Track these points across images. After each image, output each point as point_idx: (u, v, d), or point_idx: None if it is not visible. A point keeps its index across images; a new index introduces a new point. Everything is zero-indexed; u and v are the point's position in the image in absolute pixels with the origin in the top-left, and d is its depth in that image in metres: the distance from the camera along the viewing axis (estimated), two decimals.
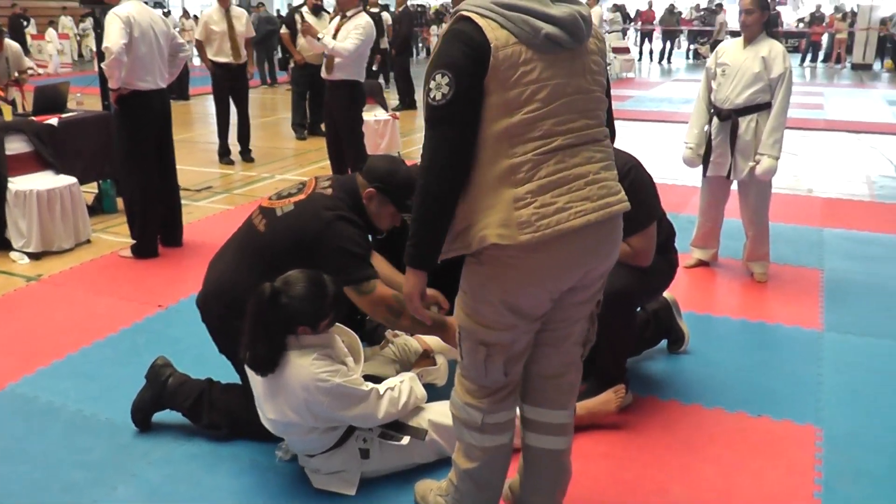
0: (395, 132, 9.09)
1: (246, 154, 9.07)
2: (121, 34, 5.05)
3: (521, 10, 2.04)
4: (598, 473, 2.99)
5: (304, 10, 9.62)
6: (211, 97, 9.22)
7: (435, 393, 3.17)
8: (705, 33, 24.91)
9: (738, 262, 5.27)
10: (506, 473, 2.52)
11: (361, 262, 2.96)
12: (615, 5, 24.16)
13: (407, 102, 13.26)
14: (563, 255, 2.11)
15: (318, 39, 6.70)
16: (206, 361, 3.47)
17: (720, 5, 25.68)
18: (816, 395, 3.60)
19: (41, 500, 2.87)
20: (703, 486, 2.94)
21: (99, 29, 6.53)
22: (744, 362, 3.92)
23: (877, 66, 23.03)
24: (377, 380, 2.94)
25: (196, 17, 25.04)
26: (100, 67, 6.15)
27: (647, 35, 26.86)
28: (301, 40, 9.50)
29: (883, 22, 22.75)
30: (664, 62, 25.09)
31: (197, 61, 17.91)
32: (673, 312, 3.94)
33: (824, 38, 25.01)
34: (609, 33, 19.21)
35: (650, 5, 27.34)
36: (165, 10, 25.78)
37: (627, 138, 9.70)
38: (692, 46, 26.84)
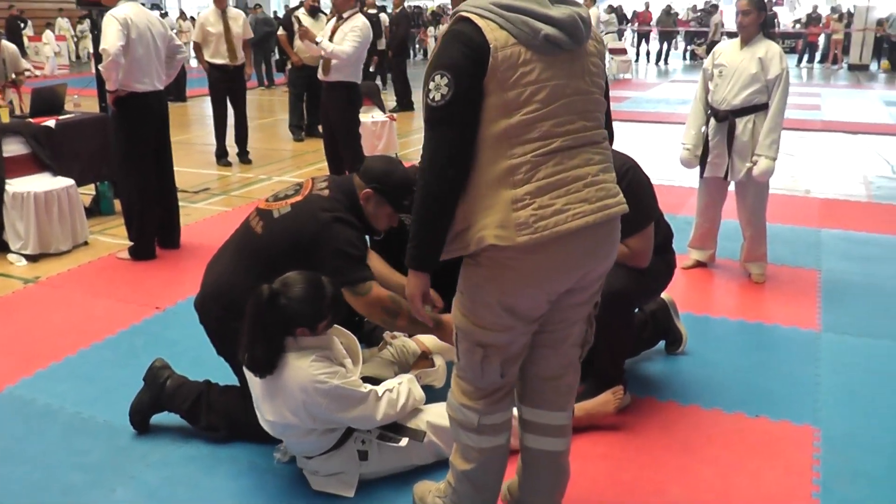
0: (392, 134, 9.09)
1: (243, 156, 9.06)
2: (118, 36, 5.05)
3: (520, 11, 2.05)
4: (597, 474, 3.00)
5: (301, 11, 9.62)
6: (208, 99, 9.21)
7: (433, 394, 3.17)
8: (702, 34, 24.95)
9: (736, 263, 5.27)
10: (503, 474, 2.53)
11: (357, 264, 2.96)
12: (611, 6, 24.19)
13: (404, 104, 13.25)
14: (561, 257, 2.12)
15: (317, 44, 6.71)
16: (204, 363, 3.47)
17: (715, 6, 25.73)
18: (814, 396, 3.60)
19: (40, 502, 2.87)
20: (702, 486, 2.94)
21: (96, 31, 6.54)
22: (741, 363, 3.92)
23: (873, 66, 23.06)
24: (375, 381, 2.94)
25: (193, 19, 25.07)
26: (97, 69, 6.16)
27: (643, 36, 26.88)
28: (298, 42, 9.51)
29: (880, 23, 22.77)
30: (661, 63, 25.11)
31: (194, 63, 17.96)
32: (671, 313, 3.94)
33: (821, 39, 25.04)
34: (605, 34, 19.24)
35: (647, 6, 27.37)
36: (163, 12, 25.79)
37: (625, 139, 9.70)
38: (689, 47, 26.88)
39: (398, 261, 3.52)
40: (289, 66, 10.54)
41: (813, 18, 25.97)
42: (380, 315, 3.00)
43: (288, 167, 8.88)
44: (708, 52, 22.74)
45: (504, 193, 2.06)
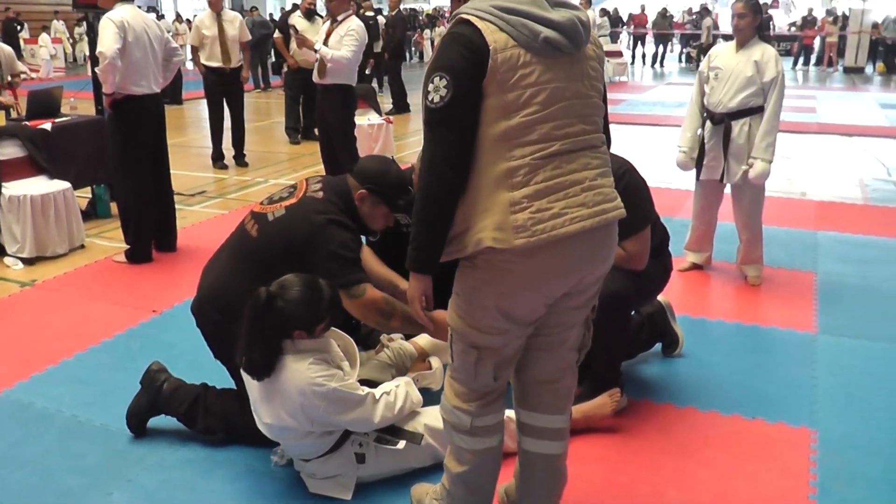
0: (388, 136, 9.10)
1: (240, 158, 9.05)
2: (115, 39, 5.05)
3: (520, 14, 2.05)
4: (594, 477, 3.00)
5: (297, 14, 9.62)
6: (204, 101, 9.20)
7: (430, 397, 3.17)
8: (697, 37, 25.00)
9: (732, 266, 5.28)
10: (496, 476, 2.53)
11: (352, 266, 2.96)
12: (603, 9, 24.24)
13: (400, 106, 13.27)
14: (558, 261, 2.12)
15: (316, 51, 6.72)
16: (200, 366, 3.46)
17: (707, 9, 25.80)
18: (811, 398, 3.61)
19: None
20: (698, 488, 2.95)
21: (92, 33, 6.53)
22: (738, 365, 3.93)
23: (868, 69, 23.11)
24: (373, 384, 2.94)
25: (189, 21, 25.07)
26: (93, 72, 6.15)
27: (639, 39, 26.92)
28: (294, 45, 9.51)
29: (875, 25, 22.84)
30: (657, 66, 25.15)
31: (190, 65, 17.95)
32: (667, 316, 3.94)
33: (816, 42, 25.10)
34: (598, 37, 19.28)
35: (643, 9, 27.41)
36: (160, 14, 25.75)
37: (621, 142, 9.68)
38: (684, 50, 26.93)
39: (394, 262, 3.54)
40: (285, 69, 10.54)
41: (808, 21, 26.04)
42: (374, 317, 3.00)
43: (284, 170, 8.88)
44: (699, 55, 22.83)
45: (502, 196, 2.06)
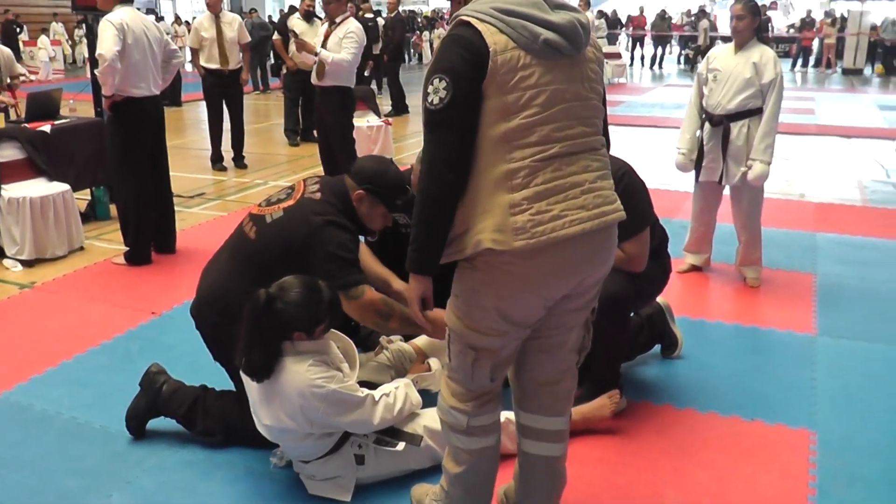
0: (387, 138, 9.11)
1: (239, 160, 9.04)
2: (114, 41, 5.05)
3: (520, 16, 2.06)
4: (593, 478, 3.00)
5: (296, 16, 9.63)
6: (204, 103, 9.20)
7: (430, 399, 3.17)
8: (696, 39, 25.02)
9: (731, 267, 5.28)
10: (494, 477, 2.53)
11: (350, 268, 2.97)
12: (600, 11, 24.26)
13: (399, 108, 13.27)
14: (558, 263, 2.12)
15: (316, 55, 6.74)
16: (200, 368, 3.46)
17: (703, 11, 25.82)
18: (810, 400, 3.61)
19: None
20: (697, 490, 2.95)
21: (91, 35, 6.53)
22: (737, 367, 3.93)
23: (867, 70, 23.14)
24: (372, 386, 2.94)
25: (188, 23, 25.09)
26: (92, 74, 6.15)
27: (638, 40, 26.93)
28: (293, 46, 9.52)
29: (873, 27, 22.87)
30: (656, 67, 25.16)
31: (189, 67, 17.93)
32: (666, 317, 3.95)
33: (815, 44, 25.12)
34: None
35: (641, 11, 27.42)
36: (159, 16, 25.75)
37: (620, 143, 9.69)
38: (683, 52, 26.94)
39: (394, 262, 3.54)
40: (284, 71, 10.54)
41: (807, 23, 26.06)
42: (372, 318, 3.01)
43: (283, 172, 8.88)
44: (695, 57, 22.81)
45: (502, 198, 2.07)
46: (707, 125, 4.91)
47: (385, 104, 12.91)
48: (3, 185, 5.58)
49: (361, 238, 3.26)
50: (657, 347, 4.00)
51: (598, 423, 3.29)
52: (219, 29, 8.58)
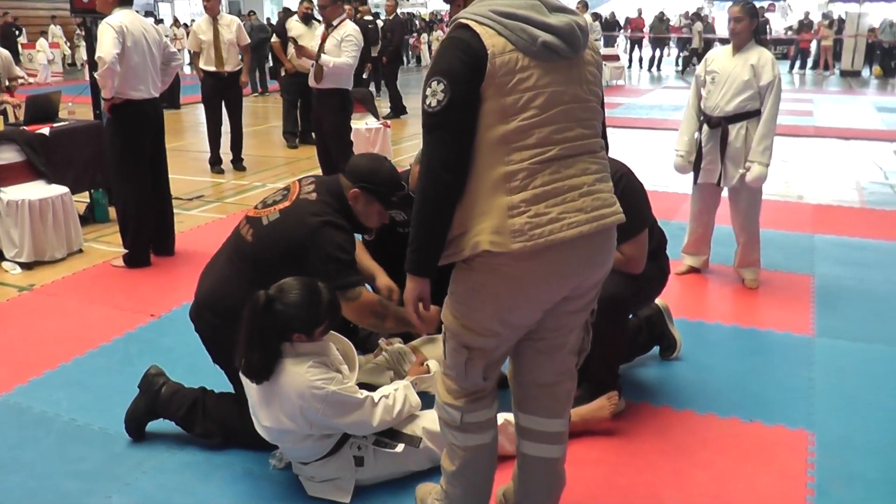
0: (386, 140, 9.11)
1: (238, 163, 9.04)
2: (114, 44, 5.05)
3: (518, 19, 2.07)
4: (592, 479, 3.00)
5: (295, 19, 9.64)
6: (202, 106, 9.20)
7: (429, 401, 3.16)
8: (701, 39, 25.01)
9: (730, 269, 5.29)
10: (492, 476, 2.54)
11: (348, 269, 2.97)
12: (595, 13, 24.25)
13: (397, 110, 13.28)
14: (555, 266, 2.13)
15: (317, 61, 6.75)
16: (199, 370, 3.47)
17: (697, 14, 25.84)
18: (808, 400, 3.61)
19: None
20: (696, 491, 2.95)
21: (90, 38, 6.54)
22: (735, 368, 3.93)
23: (865, 72, 23.16)
24: (371, 388, 2.94)
25: (186, 26, 25.11)
26: (91, 76, 6.15)
27: (636, 42, 26.95)
28: (291, 49, 9.52)
29: (871, 29, 22.90)
30: (654, 69, 25.18)
31: (188, 69, 17.93)
32: (665, 319, 3.95)
33: (813, 46, 25.14)
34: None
35: (639, 13, 27.43)
36: (158, 19, 25.78)
37: (618, 145, 9.69)
38: (681, 54, 26.94)
39: (390, 263, 3.55)
40: (282, 73, 10.54)
41: (805, 25, 26.07)
42: (369, 319, 3.03)
43: (282, 174, 8.88)
44: (689, 59, 22.78)
45: (500, 200, 2.07)
46: (705, 127, 4.91)
47: (384, 106, 12.91)
48: (2, 188, 5.58)
49: (358, 237, 3.26)
50: (656, 349, 4.00)
51: (597, 424, 3.29)
52: (216, 32, 8.56)
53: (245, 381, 2.78)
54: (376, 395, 2.84)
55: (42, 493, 2.95)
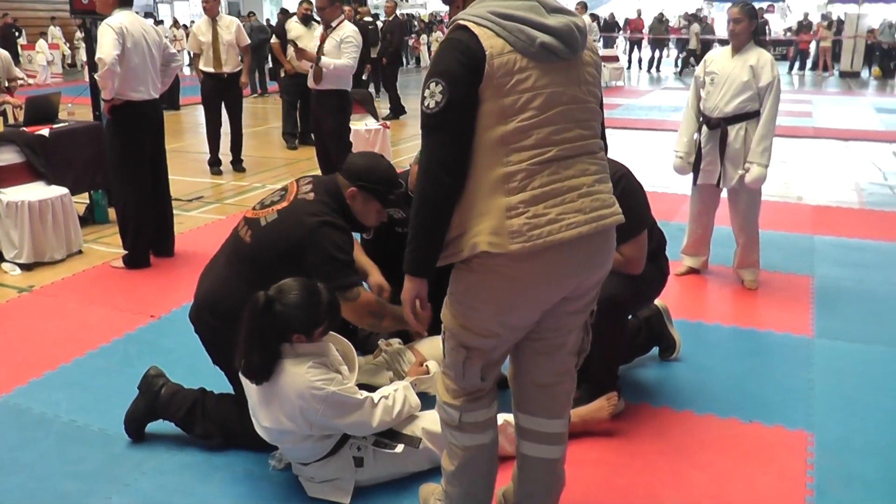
0: (385, 141, 9.11)
1: (237, 164, 9.04)
2: (114, 45, 5.05)
3: (517, 20, 2.07)
4: (591, 480, 3.01)
5: (294, 20, 9.64)
6: (202, 107, 9.21)
7: (428, 401, 3.17)
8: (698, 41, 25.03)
9: (729, 270, 5.29)
10: (492, 478, 2.54)
11: (346, 269, 2.98)
12: (592, 14, 24.29)
13: (396, 111, 13.28)
14: (554, 267, 2.13)
15: (317, 63, 6.76)
16: (198, 371, 3.47)
17: (694, 16, 25.85)
18: (807, 401, 3.62)
19: None
20: (696, 492, 2.95)
21: (90, 39, 6.54)
22: (735, 369, 3.94)
23: (864, 73, 23.17)
24: (371, 388, 2.95)
25: (185, 27, 25.11)
26: (91, 77, 6.15)
27: (636, 43, 26.96)
28: (291, 50, 9.51)
29: (871, 30, 22.91)
30: (653, 70, 25.19)
31: (187, 70, 17.93)
32: (664, 320, 3.95)
33: (812, 47, 25.16)
34: None
35: (639, 14, 27.45)
36: (159, 20, 25.79)
37: (618, 146, 9.72)
38: (681, 55, 26.96)
39: (390, 262, 3.56)
40: (282, 74, 10.54)
41: (804, 26, 26.09)
42: (368, 319, 3.04)
43: (281, 175, 8.88)
44: (686, 61, 22.78)
45: (498, 201, 2.08)
46: (704, 128, 4.92)
47: (383, 108, 12.92)
48: (1, 189, 5.58)
49: (357, 235, 3.26)
50: (655, 350, 4.01)
51: (597, 424, 3.29)
52: (215, 33, 8.55)
53: (245, 381, 2.78)
54: (376, 395, 2.84)
55: (42, 494, 2.95)
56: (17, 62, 13.51)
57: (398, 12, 14.42)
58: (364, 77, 13.14)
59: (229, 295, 3.02)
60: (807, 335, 4.35)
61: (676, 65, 26.41)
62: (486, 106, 2.07)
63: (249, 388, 2.78)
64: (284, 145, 10.57)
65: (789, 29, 28.87)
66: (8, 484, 3.01)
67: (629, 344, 3.66)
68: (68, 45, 25.22)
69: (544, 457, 2.47)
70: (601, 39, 25.40)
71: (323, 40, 6.92)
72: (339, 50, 6.87)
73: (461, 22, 2.11)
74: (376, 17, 16.11)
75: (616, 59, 20.50)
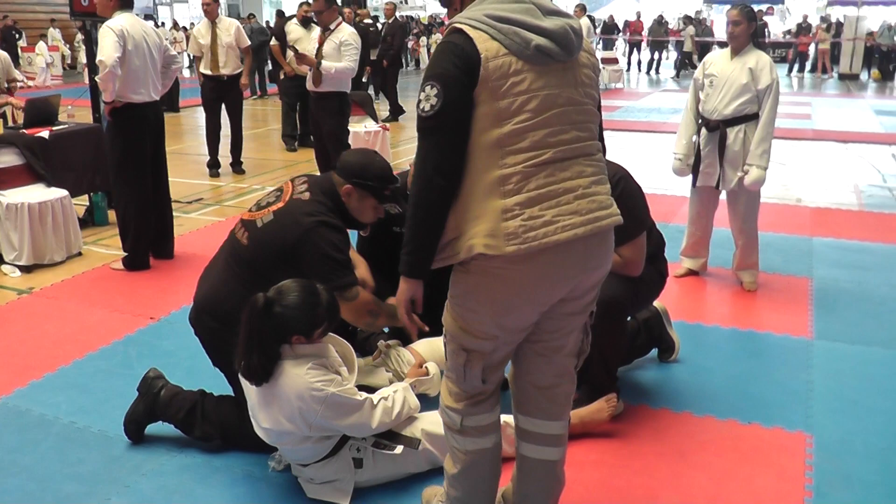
0: (385, 143, 9.12)
1: (237, 166, 9.04)
2: (115, 47, 5.06)
3: (512, 23, 2.08)
4: (590, 481, 3.01)
5: (294, 22, 9.64)
6: (201, 109, 9.21)
7: (428, 402, 3.18)
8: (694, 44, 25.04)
9: (728, 271, 5.30)
10: (494, 481, 2.54)
11: (344, 269, 2.98)
12: (588, 16, 24.30)
13: (396, 113, 13.29)
14: (550, 268, 2.14)
15: (317, 67, 6.77)
16: (198, 373, 3.48)
17: (689, 17, 25.87)
18: (806, 403, 3.62)
19: None
20: (694, 493, 2.96)
21: (90, 42, 6.55)
22: (734, 370, 3.94)
23: (863, 76, 23.19)
24: (370, 390, 2.95)
25: (185, 29, 25.12)
26: (91, 80, 6.16)
27: (635, 45, 26.98)
28: (290, 52, 9.51)
29: (870, 32, 22.93)
30: (652, 72, 25.20)
31: (186, 73, 17.93)
32: (663, 321, 3.96)
33: (811, 49, 25.18)
34: None
35: (638, 16, 27.48)
36: (160, 23, 25.81)
37: (617, 148, 9.75)
38: (680, 57, 26.98)
39: (388, 260, 3.56)
40: (281, 77, 10.55)
41: (803, 28, 26.12)
42: (365, 318, 3.05)
43: (281, 177, 8.88)
44: (682, 62, 22.81)
45: (494, 203, 2.08)
46: (703, 130, 4.92)
47: (382, 110, 12.93)
48: (1, 192, 5.58)
49: (356, 234, 3.26)
50: (654, 351, 4.01)
51: (596, 426, 3.30)
52: (214, 35, 8.54)
53: (244, 383, 2.79)
54: (375, 397, 2.85)
55: (41, 495, 2.95)
56: (16, 64, 13.52)
57: (398, 14, 14.43)
58: (364, 79, 13.14)
59: (228, 297, 3.02)
60: (806, 337, 4.35)
61: (675, 67, 26.46)
62: (482, 109, 2.08)
63: (249, 389, 2.79)
64: (284, 147, 10.58)
65: (788, 31, 28.91)
66: (8, 485, 3.01)
67: (628, 345, 3.66)
68: (68, 45, 25.24)
69: (544, 458, 2.47)
70: (601, 41, 25.44)
71: (321, 43, 6.94)
72: (338, 52, 6.88)
73: (457, 25, 2.12)
74: (376, 19, 16.12)
75: (615, 61, 20.50)
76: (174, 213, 5.98)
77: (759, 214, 5.04)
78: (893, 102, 16.82)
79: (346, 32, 6.96)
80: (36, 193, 5.72)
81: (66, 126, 6.47)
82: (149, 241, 5.57)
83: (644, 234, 3.31)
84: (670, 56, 28.15)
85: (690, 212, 5.24)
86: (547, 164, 2.10)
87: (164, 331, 4.44)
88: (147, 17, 22.58)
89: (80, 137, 6.40)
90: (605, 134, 2.41)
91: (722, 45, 5.69)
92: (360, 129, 8.83)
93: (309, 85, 7.00)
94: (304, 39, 8.70)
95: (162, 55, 5.52)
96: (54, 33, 24.66)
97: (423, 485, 2.89)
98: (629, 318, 3.67)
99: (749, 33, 4.78)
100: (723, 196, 5.11)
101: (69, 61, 25.20)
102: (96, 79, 5.31)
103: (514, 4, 2.12)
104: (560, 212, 2.10)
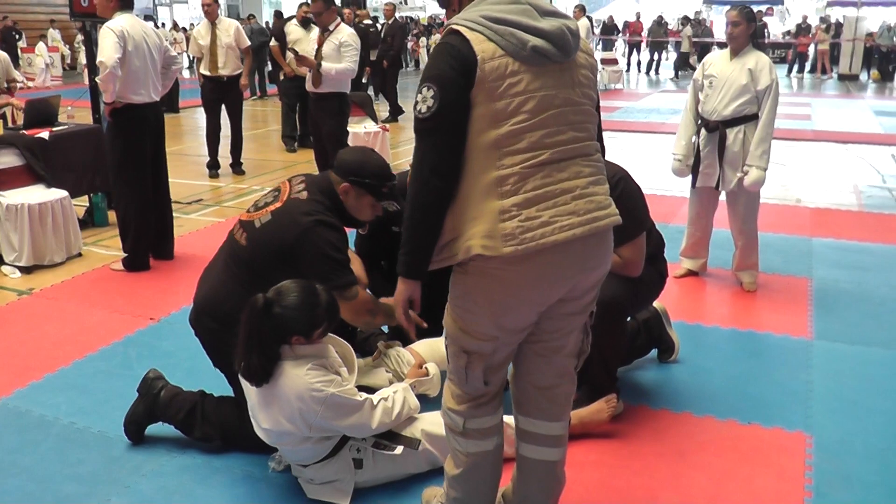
0: (384, 144, 9.12)
1: (237, 167, 9.04)
2: (115, 48, 5.06)
3: (509, 24, 2.08)
4: (590, 481, 3.01)
5: (293, 23, 9.64)
6: (201, 110, 9.21)
7: (427, 403, 3.19)
8: (692, 45, 25.04)
9: (728, 272, 5.30)
10: (495, 483, 2.54)
11: (343, 269, 2.98)
12: (587, 17, 24.30)
13: (396, 114, 13.29)
14: (548, 269, 2.14)
15: (318, 69, 6.77)
16: (198, 374, 3.48)
17: (686, 18, 25.89)
18: (806, 403, 3.62)
19: None
20: (694, 493, 2.96)
21: (89, 42, 6.55)
22: (734, 371, 3.94)
23: (863, 76, 23.19)
24: (370, 390, 2.95)
25: (185, 30, 25.11)
26: (91, 80, 6.16)
27: (635, 46, 26.99)
28: (290, 53, 9.51)
29: (869, 33, 22.94)
30: (652, 73, 25.20)
31: (186, 73, 17.91)
32: (663, 322, 3.96)
33: (811, 49, 25.18)
34: None
35: (638, 17, 27.48)
36: (160, 23, 25.82)
37: (616, 149, 9.76)
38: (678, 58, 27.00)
39: (386, 259, 3.56)
40: (281, 77, 10.55)
41: (802, 29, 26.12)
42: (364, 317, 3.06)
43: (280, 178, 8.80)
44: (679, 63, 22.80)
45: (492, 204, 2.09)
46: (703, 131, 4.92)
47: (382, 110, 12.93)
48: (1, 192, 5.58)
49: (354, 233, 3.26)
50: (654, 352, 4.01)
51: (596, 426, 3.30)
52: (214, 36, 8.53)
53: (244, 383, 2.79)
54: (375, 397, 2.85)
55: (41, 496, 2.95)
56: (16, 65, 13.52)
57: (397, 15, 14.43)
58: (364, 80, 13.14)
59: (228, 298, 3.02)
60: (805, 337, 4.35)
61: (675, 67, 26.47)
62: (479, 110, 2.08)
63: (249, 390, 2.79)
64: (284, 148, 10.58)
65: (788, 32, 28.90)
66: (7, 486, 3.01)
67: (628, 346, 3.67)
68: (68, 46, 25.24)
69: (544, 459, 2.48)
70: (600, 42, 25.44)
71: (320, 44, 6.94)
72: (338, 53, 6.89)
73: (454, 26, 2.13)
74: (375, 19, 16.12)
75: (615, 61, 20.51)
76: (174, 214, 5.98)
77: (758, 215, 5.04)
78: (893, 103, 16.82)
79: (345, 33, 6.96)
80: (36, 194, 5.72)
81: (66, 127, 6.47)
82: (149, 241, 5.57)
83: (644, 235, 3.31)
84: (670, 57, 28.14)
85: (690, 212, 5.25)
86: (544, 165, 2.11)
87: (164, 332, 4.44)
88: (147, 17, 22.60)
89: (80, 138, 6.41)
90: (605, 135, 2.42)
91: (721, 45, 5.69)
92: (360, 130, 8.83)
93: (308, 86, 7.01)
94: (303, 40, 8.69)
95: (162, 56, 5.52)
96: (54, 34, 24.66)
97: (423, 485, 2.89)
98: (629, 319, 3.68)
99: (748, 34, 4.78)
100: (722, 197, 5.12)
101: (69, 62, 25.20)
102: (96, 80, 5.31)
103: (510, 5, 2.13)
104: (558, 212, 2.10)
